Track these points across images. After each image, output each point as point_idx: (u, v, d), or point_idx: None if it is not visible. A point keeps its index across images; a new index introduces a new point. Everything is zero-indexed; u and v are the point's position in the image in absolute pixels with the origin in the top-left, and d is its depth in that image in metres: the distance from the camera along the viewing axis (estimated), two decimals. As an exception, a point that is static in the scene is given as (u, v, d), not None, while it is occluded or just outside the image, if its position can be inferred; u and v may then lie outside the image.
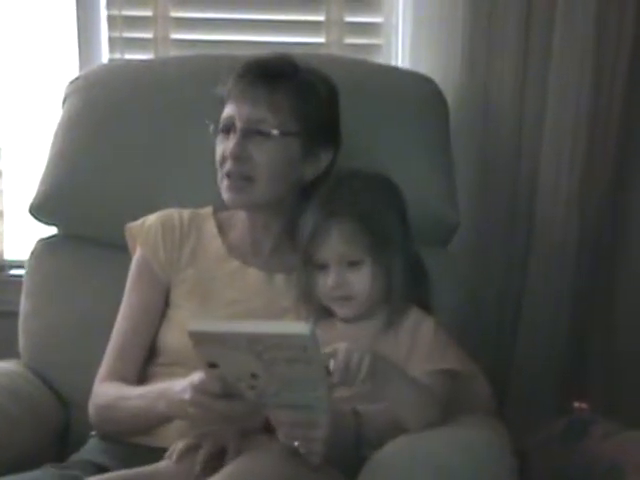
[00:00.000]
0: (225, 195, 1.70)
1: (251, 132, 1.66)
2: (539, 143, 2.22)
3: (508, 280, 2.28)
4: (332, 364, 1.37)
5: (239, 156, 1.66)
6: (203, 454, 1.47)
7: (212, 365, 1.35)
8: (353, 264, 1.55)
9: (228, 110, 1.69)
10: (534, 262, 2.26)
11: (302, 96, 1.68)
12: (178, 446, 1.49)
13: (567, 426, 1.90)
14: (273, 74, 1.67)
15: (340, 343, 1.39)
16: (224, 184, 1.69)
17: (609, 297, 2.31)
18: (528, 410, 2.25)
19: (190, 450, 1.48)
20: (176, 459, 1.48)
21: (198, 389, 1.42)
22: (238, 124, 1.66)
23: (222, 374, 1.36)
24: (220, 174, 1.70)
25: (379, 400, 1.46)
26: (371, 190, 1.59)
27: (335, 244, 1.54)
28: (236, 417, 1.43)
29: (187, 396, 1.44)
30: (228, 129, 1.68)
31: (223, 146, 1.69)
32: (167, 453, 1.50)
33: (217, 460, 1.45)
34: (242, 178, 1.67)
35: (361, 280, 1.55)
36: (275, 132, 1.66)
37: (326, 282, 1.56)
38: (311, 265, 1.58)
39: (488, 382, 1.62)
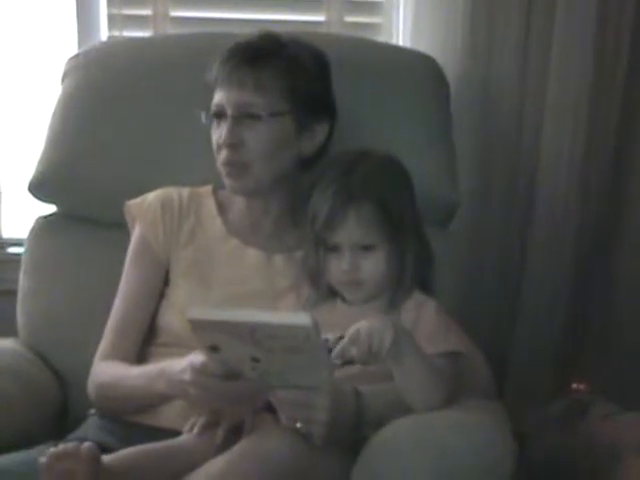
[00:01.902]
0: (226, 181, 1.71)
1: (241, 117, 1.66)
2: (540, 122, 2.22)
3: (508, 261, 2.28)
4: (341, 343, 1.38)
5: (232, 143, 1.66)
6: (222, 430, 1.45)
7: (213, 348, 1.35)
8: (367, 248, 1.54)
9: (217, 97, 1.69)
10: (534, 243, 2.26)
11: (289, 73, 1.67)
12: (199, 421, 1.48)
13: (566, 407, 1.91)
14: (257, 55, 1.67)
15: (361, 322, 1.39)
16: (223, 171, 1.70)
17: (608, 279, 2.30)
18: (527, 391, 2.25)
19: (208, 426, 1.47)
20: (197, 432, 1.47)
21: (198, 370, 1.42)
22: (228, 111, 1.66)
23: (223, 357, 1.36)
24: (218, 161, 1.70)
25: (389, 377, 1.45)
26: (385, 173, 1.58)
27: (351, 228, 1.53)
28: (237, 398, 1.43)
29: (187, 377, 1.44)
30: (219, 116, 1.68)
31: (217, 134, 1.69)
32: (186, 428, 1.49)
33: (234, 436, 1.44)
34: (239, 164, 1.67)
35: (374, 265, 1.54)
36: (265, 114, 1.65)
37: (339, 266, 1.55)
38: (322, 247, 1.57)
39: (488, 364, 1.62)
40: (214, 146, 1.71)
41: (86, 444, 1.35)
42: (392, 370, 1.43)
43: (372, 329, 1.38)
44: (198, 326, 1.32)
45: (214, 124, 1.70)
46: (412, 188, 1.61)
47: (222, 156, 1.68)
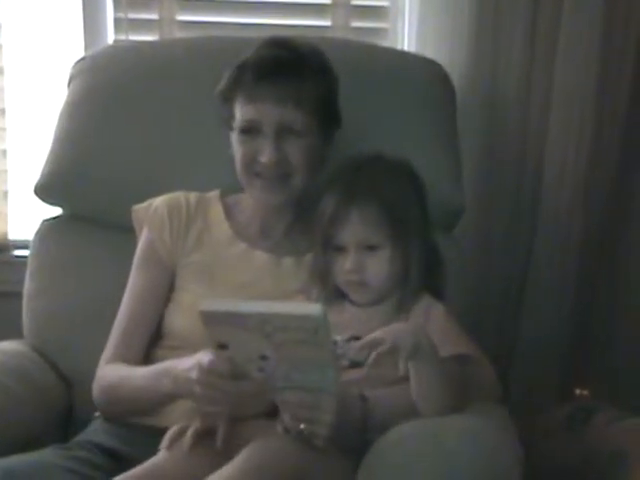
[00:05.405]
0: (259, 194, 1.71)
1: (283, 133, 1.65)
2: (546, 127, 2.22)
3: (512, 265, 2.28)
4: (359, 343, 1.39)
5: (277, 160, 1.66)
6: (190, 433, 1.45)
7: (222, 346, 1.35)
8: (371, 249, 1.55)
9: (247, 111, 1.66)
10: (539, 247, 2.26)
11: (320, 86, 1.68)
12: (169, 434, 1.48)
13: (570, 413, 1.91)
14: (290, 69, 1.64)
15: (385, 329, 1.40)
16: (257, 184, 1.70)
17: (613, 283, 2.31)
18: (530, 396, 2.25)
19: (181, 434, 1.47)
20: (168, 445, 1.46)
21: (206, 369, 1.42)
22: (267, 128, 1.65)
23: (231, 355, 1.36)
24: (245, 172, 1.70)
25: (395, 382, 1.45)
26: (394, 176, 1.59)
27: (355, 228, 1.54)
28: (242, 398, 1.43)
29: (194, 375, 1.45)
30: (251, 131, 1.67)
31: (248, 147, 1.68)
32: (163, 444, 1.48)
33: (207, 440, 1.44)
34: (280, 178, 1.68)
35: (378, 265, 1.55)
36: (306, 129, 1.66)
37: (343, 265, 1.56)
38: (329, 247, 1.58)
39: (493, 368, 1.62)
40: (242, 159, 1.69)
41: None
42: (409, 373, 1.42)
43: (394, 333, 1.38)
44: (209, 319, 1.32)
45: (241, 137, 1.68)
46: (422, 193, 1.61)
47: (257, 169, 1.68)
